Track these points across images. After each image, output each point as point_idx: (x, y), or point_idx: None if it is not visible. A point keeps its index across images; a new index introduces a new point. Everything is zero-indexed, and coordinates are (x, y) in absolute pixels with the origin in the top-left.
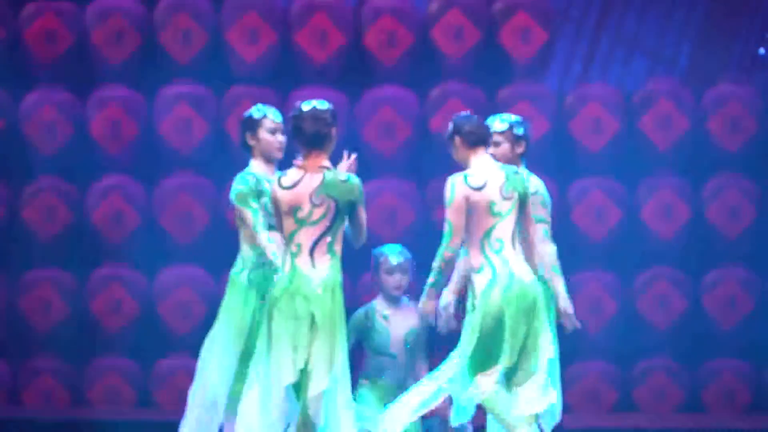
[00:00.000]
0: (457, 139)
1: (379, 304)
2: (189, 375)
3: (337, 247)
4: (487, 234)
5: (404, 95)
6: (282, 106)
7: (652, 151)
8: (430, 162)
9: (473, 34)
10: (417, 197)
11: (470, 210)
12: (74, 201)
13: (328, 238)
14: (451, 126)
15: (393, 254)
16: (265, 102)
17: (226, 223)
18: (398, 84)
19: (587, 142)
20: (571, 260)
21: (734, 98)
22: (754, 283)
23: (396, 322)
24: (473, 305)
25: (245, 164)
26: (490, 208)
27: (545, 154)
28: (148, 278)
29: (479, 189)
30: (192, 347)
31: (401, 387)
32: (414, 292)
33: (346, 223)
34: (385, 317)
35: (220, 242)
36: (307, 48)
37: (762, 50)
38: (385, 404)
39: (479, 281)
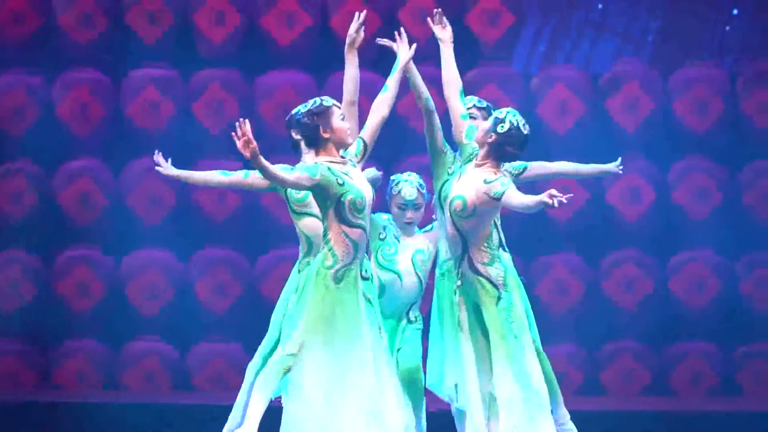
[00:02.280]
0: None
1: (393, 226)
2: (157, 357)
3: (330, 235)
4: (493, 230)
5: (371, 78)
6: (248, 89)
7: (618, 133)
8: (397, 145)
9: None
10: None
11: (493, 209)
12: (41, 183)
13: (323, 228)
14: (485, 105)
15: (407, 189)
16: (231, 84)
17: (194, 205)
18: (365, 67)
19: (554, 124)
20: (537, 243)
21: (701, 81)
22: (721, 265)
23: (406, 242)
24: (500, 292)
25: (213, 147)
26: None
27: None
28: (116, 260)
29: None
30: (160, 330)
31: (401, 316)
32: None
33: (333, 212)
34: (396, 237)
35: (188, 225)
36: (273, 30)
37: (728, 28)
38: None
39: (495, 271)
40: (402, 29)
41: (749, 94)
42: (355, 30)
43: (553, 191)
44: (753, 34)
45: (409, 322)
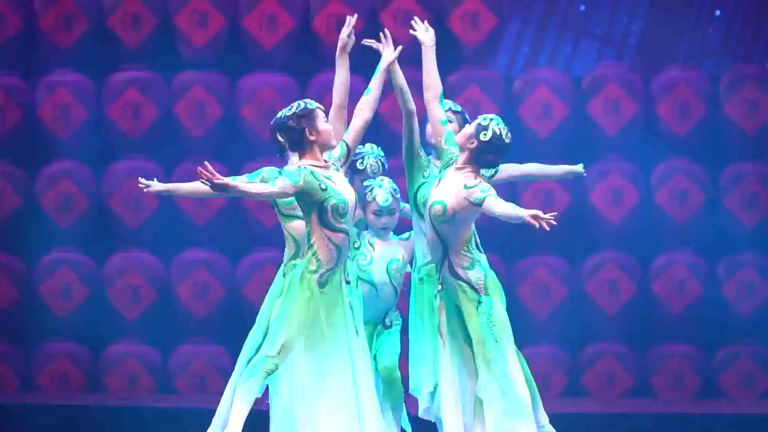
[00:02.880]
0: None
1: (368, 233)
2: (138, 360)
3: (314, 239)
4: (472, 234)
5: (354, 81)
6: (231, 91)
7: (600, 135)
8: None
9: (422, 18)
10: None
11: (473, 214)
12: (23, 185)
13: (306, 233)
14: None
15: (381, 196)
16: (213, 87)
17: (175, 207)
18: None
19: (536, 126)
20: (519, 245)
21: (683, 83)
22: (703, 267)
23: (380, 251)
24: (480, 296)
25: (195, 149)
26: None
27: None
28: (98, 263)
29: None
30: (142, 332)
31: (377, 322)
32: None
33: (316, 216)
34: (371, 243)
35: (170, 227)
36: (255, 32)
37: (710, 30)
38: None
39: (476, 275)
40: (387, 31)
41: (731, 96)
42: (346, 34)
43: (539, 213)
44: (735, 36)
45: (385, 327)
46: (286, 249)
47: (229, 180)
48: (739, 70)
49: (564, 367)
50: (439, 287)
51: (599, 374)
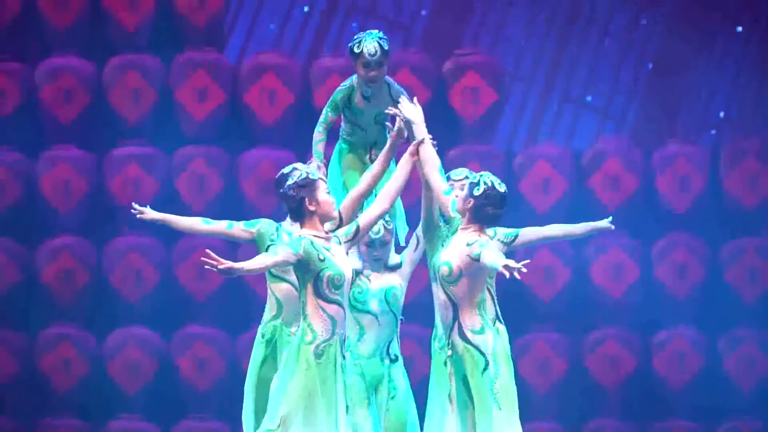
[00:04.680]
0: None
1: (365, 265)
2: None
3: (308, 310)
4: (483, 297)
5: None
6: (231, 166)
7: (601, 210)
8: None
9: (423, 93)
10: None
11: (478, 271)
12: (24, 260)
13: (302, 303)
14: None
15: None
16: (214, 161)
17: (175, 282)
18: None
19: (536, 202)
20: (519, 320)
21: (683, 157)
22: (703, 343)
23: (376, 281)
24: (487, 361)
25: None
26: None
27: None
28: (98, 338)
29: None
30: (142, 407)
31: (382, 354)
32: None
33: (312, 285)
34: (366, 275)
35: (170, 302)
36: (256, 107)
37: (710, 104)
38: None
39: (484, 340)
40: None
41: (731, 171)
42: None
43: (511, 262)
44: (735, 111)
45: (392, 361)
46: (266, 308)
47: (233, 263)
48: (738, 144)
49: None
50: (449, 353)
51: None
